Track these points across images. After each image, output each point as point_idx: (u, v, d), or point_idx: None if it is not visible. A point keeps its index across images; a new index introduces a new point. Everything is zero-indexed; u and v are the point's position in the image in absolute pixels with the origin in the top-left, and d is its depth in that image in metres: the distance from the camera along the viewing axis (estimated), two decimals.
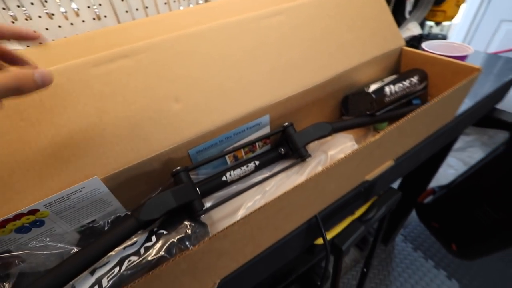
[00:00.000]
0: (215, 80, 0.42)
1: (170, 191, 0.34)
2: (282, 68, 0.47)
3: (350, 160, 0.35)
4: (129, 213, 0.38)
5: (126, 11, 0.64)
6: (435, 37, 1.06)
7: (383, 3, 0.57)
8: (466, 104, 0.63)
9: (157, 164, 0.38)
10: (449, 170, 1.83)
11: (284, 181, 0.43)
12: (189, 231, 0.34)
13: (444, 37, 1.05)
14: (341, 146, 0.45)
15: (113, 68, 0.37)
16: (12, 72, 0.22)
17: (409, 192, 1.12)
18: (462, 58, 0.60)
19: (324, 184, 0.36)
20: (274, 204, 0.30)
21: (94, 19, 0.61)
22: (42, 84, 0.24)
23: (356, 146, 0.45)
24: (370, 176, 0.45)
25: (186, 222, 0.35)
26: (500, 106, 0.78)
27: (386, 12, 0.57)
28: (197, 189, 0.38)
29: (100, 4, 0.60)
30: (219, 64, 0.43)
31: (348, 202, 0.48)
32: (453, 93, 0.46)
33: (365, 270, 0.64)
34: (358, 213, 0.48)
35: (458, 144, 1.98)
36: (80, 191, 0.34)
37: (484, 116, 0.77)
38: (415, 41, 0.76)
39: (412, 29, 0.73)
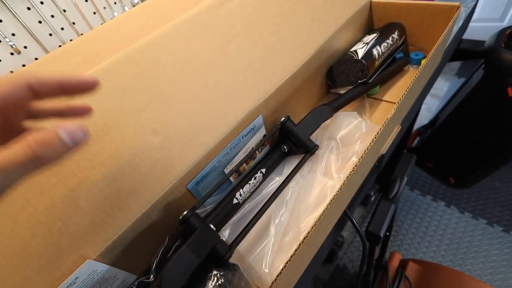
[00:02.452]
0: (189, 95, 0.34)
1: (186, 246, 0.27)
2: (261, 57, 0.40)
3: (374, 146, 0.31)
4: (142, 279, 0.32)
5: (50, 34, 0.52)
6: None
7: None
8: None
9: (155, 216, 0.32)
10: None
11: (301, 183, 0.38)
12: (221, 281, 0.29)
13: None
14: (348, 126, 0.41)
15: None
16: (25, 142, 0.15)
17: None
18: None
19: (353, 182, 0.32)
20: (315, 229, 0.25)
21: (12, 54, 0.49)
22: (73, 144, 0.16)
23: (363, 122, 0.41)
24: (384, 149, 0.42)
25: (214, 273, 0.29)
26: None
27: None
28: (213, 228, 0.32)
29: (13, 34, 0.48)
30: (188, 73, 0.35)
31: (366, 181, 0.44)
32: (444, 38, 0.42)
33: (387, 234, 0.64)
34: None
35: None
36: (75, 282, 0.27)
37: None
38: None
39: None
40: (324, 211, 0.25)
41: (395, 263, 0.79)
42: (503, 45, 0.67)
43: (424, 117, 1.58)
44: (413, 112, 0.56)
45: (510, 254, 1.05)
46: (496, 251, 1.07)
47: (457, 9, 0.45)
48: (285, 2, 0.44)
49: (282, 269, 0.22)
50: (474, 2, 0.73)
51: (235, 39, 0.39)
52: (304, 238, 0.24)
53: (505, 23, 1.49)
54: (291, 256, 0.23)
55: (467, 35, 0.84)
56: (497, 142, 0.79)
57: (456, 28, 0.65)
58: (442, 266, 0.73)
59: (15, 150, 0.15)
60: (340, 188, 0.27)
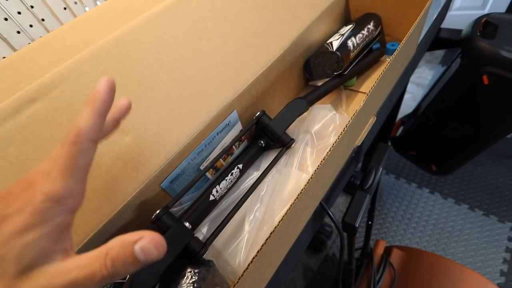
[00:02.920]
0: (159, 92, 0.34)
1: None
2: (233, 52, 0.40)
3: (344, 138, 0.31)
4: (120, 280, 0.32)
5: (18, 32, 0.51)
6: None
7: None
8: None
9: (128, 216, 0.32)
10: (405, 95, 1.94)
11: (277, 177, 0.38)
12: (195, 278, 0.29)
13: None
14: (323, 119, 0.41)
15: (23, 121, 0.28)
16: (101, 257, 0.15)
17: (381, 129, 1.15)
18: None
19: (324, 175, 0.32)
20: (283, 222, 0.25)
21: None
22: (144, 262, 0.15)
23: (337, 115, 0.41)
24: (359, 141, 0.43)
25: (188, 270, 0.30)
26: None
27: None
28: (188, 226, 0.32)
29: None
30: (157, 70, 0.34)
31: (343, 173, 0.45)
32: (416, 28, 0.43)
33: (369, 223, 0.65)
34: None
35: None
36: None
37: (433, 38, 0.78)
38: None
39: None
40: (292, 204, 0.26)
41: (380, 250, 0.81)
42: (478, 34, 0.68)
43: (409, 107, 1.60)
44: (390, 103, 0.57)
45: (489, 236, 1.09)
46: (477, 234, 1.11)
47: None
48: None
49: (249, 264, 0.23)
50: None
51: (206, 33, 0.38)
52: (271, 233, 0.24)
53: (486, 11, 1.52)
54: (258, 251, 0.23)
55: (449, 24, 0.85)
56: (475, 130, 0.81)
57: (433, 17, 0.65)
58: (424, 251, 0.76)
59: (93, 265, 0.14)
60: (308, 181, 0.27)
